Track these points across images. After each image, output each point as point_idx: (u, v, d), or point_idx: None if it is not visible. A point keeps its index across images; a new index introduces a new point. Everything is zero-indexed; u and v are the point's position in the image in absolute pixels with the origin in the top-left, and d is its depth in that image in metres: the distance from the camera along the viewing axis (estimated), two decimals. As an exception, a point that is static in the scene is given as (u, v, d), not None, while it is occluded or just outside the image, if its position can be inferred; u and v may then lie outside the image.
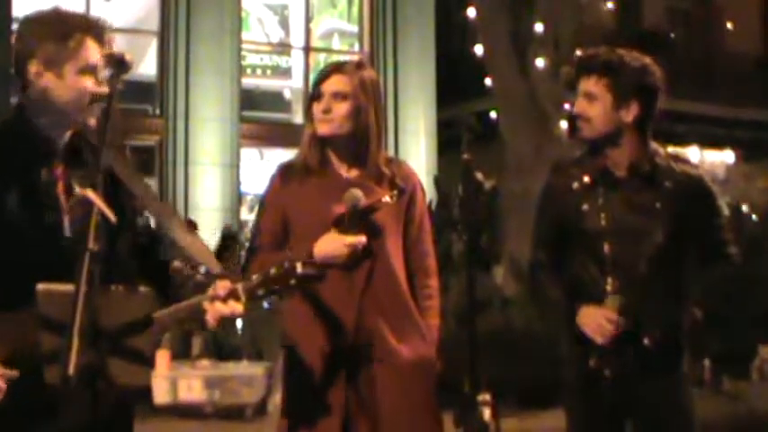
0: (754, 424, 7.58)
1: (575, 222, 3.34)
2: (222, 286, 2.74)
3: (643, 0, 19.87)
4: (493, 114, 12.31)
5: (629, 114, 3.27)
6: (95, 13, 15.34)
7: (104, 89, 2.67)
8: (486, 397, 4.18)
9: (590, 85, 3.29)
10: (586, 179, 3.34)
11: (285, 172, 3.38)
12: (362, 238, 3.13)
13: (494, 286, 9.90)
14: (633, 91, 3.27)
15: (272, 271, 2.77)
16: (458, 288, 7.21)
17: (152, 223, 3.02)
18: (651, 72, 3.33)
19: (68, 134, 2.79)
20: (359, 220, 3.16)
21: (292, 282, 2.78)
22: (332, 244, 3.14)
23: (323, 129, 3.28)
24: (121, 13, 15.94)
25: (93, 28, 2.79)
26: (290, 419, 3.26)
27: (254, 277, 2.77)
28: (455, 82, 16.96)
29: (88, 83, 2.73)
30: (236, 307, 2.71)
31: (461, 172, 3.11)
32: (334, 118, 3.26)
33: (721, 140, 20.23)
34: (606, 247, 3.28)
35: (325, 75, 3.34)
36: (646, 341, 3.24)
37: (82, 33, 2.76)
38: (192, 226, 13.28)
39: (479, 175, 3.11)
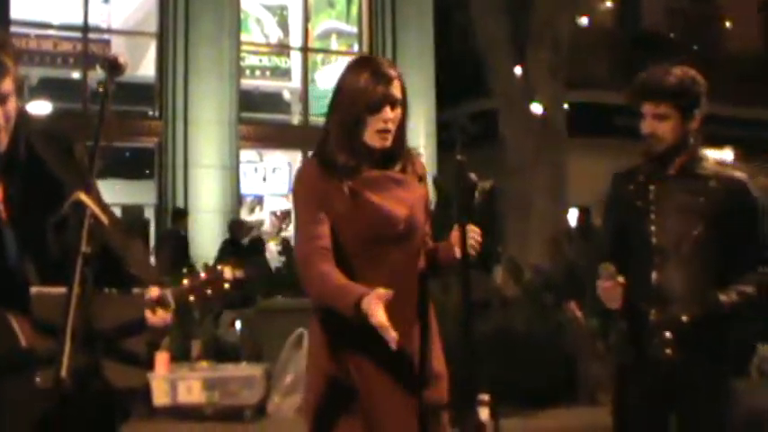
0: (753, 421, 7.55)
1: (633, 219, 3.66)
2: (152, 293, 2.64)
3: (642, 0, 19.83)
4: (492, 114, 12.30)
5: (696, 122, 3.67)
6: (94, 14, 15.36)
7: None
8: (485, 397, 4.17)
9: (659, 108, 3.60)
10: (641, 178, 3.69)
11: (323, 169, 3.12)
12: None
13: (493, 287, 9.87)
14: (697, 105, 3.68)
15: (203, 275, 2.71)
16: (458, 289, 7.20)
17: None
18: (701, 81, 3.71)
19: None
20: None
21: (226, 286, 2.74)
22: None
23: (387, 142, 3.08)
24: (120, 15, 15.95)
25: None
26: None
27: (185, 282, 2.69)
28: (455, 82, 16.92)
29: None
30: (166, 316, 2.62)
31: (455, 173, 3.10)
32: (393, 128, 3.08)
33: (721, 139, 20.19)
34: (653, 234, 3.58)
35: (384, 80, 3.05)
36: (684, 318, 3.48)
37: None
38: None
39: (473, 176, 3.10)
